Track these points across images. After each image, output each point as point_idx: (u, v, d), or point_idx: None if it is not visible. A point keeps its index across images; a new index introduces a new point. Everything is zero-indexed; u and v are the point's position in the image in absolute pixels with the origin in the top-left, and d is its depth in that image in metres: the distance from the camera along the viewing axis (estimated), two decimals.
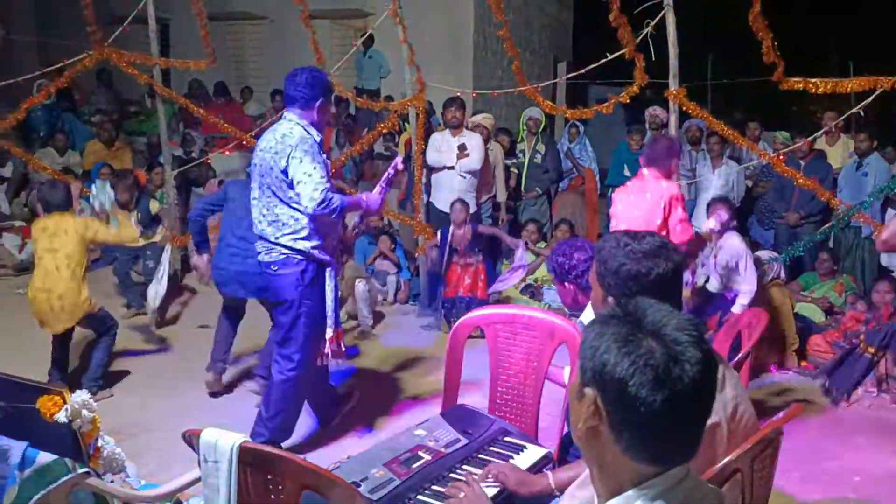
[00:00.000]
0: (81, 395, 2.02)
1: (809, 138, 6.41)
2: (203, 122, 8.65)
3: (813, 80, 5.03)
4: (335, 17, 11.10)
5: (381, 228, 7.08)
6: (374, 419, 4.30)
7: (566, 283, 2.89)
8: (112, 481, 2.38)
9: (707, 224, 5.00)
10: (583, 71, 5.97)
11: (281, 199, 3.54)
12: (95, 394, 4.40)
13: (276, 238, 3.57)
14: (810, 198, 6.22)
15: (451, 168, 6.34)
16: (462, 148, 6.32)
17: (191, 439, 1.90)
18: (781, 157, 5.82)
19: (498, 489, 2.18)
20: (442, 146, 6.42)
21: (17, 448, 2.04)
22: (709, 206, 5.20)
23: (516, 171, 7.69)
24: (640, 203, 4.27)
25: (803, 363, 5.36)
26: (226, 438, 1.83)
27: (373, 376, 5.01)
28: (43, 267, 4.37)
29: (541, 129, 7.67)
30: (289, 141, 3.50)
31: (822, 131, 6.59)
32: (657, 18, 5.27)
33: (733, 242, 4.99)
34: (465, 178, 6.32)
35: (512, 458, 2.48)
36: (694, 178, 6.82)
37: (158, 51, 6.96)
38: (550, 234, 7.34)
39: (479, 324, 2.97)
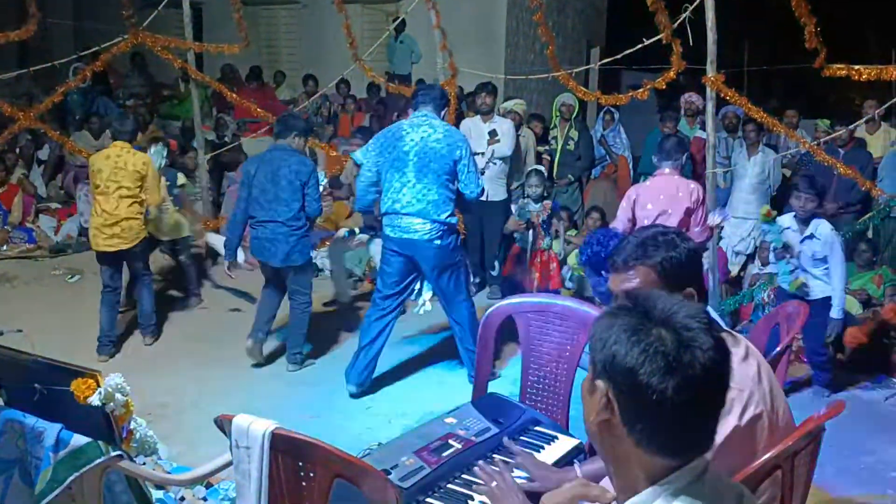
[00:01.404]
0: (115, 379, 2.03)
1: (851, 126, 6.23)
2: (236, 107, 8.69)
3: (856, 67, 4.89)
4: (367, 1, 11.06)
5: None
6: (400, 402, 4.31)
7: (602, 273, 2.85)
8: (144, 463, 2.41)
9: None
10: (619, 56, 5.86)
11: (443, 183, 4.24)
12: (156, 337, 5.16)
13: (438, 216, 4.24)
14: (850, 187, 6.06)
15: (482, 154, 6.29)
16: (493, 134, 6.26)
17: (223, 424, 1.90)
18: (821, 146, 5.67)
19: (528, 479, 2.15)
20: (472, 132, 6.36)
21: (51, 430, 2.06)
22: (793, 186, 4.68)
23: (549, 157, 7.60)
24: (672, 202, 4.43)
25: (839, 356, 5.24)
26: (258, 424, 1.82)
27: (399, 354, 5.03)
28: (109, 196, 4.89)
29: (574, 116, 7.57)
30: (458, 136, 4.38)
31: (863, 119, 6.41)
32: (696, 3, 5.15)
33: (826, 229, 4.44)
34: (495, 164, 6.25)
35: (542, 448, 2.45)
36: (730, 166, 6.69)
37: (192, 35, 6.99)
38: (581, 221, 7.26)
39: (511, 312, 2.94)
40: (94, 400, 1.99)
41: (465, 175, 4.27)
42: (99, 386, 2.01)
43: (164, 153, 5.34)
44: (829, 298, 4.45)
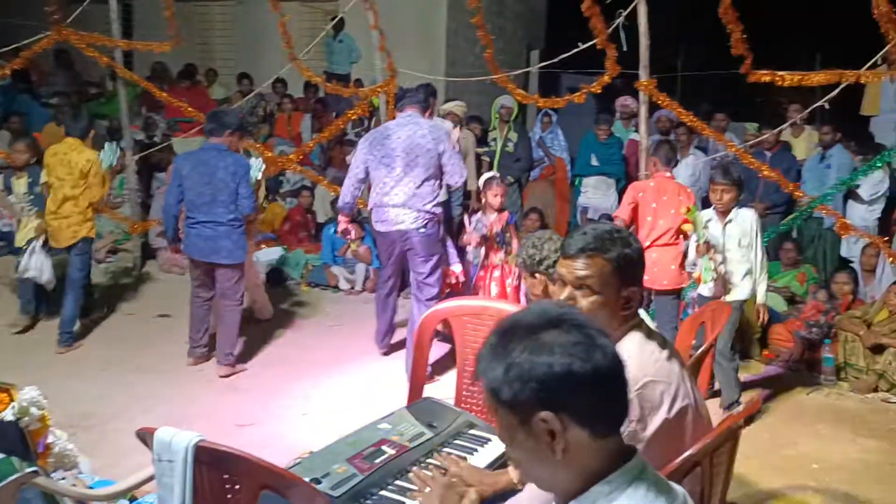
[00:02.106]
0: (30, 392, 1.94)
1: (776, 130, 6.47)
2: (166, 106, 8.46)
3: (780, 73, 5.08)
4: None
5: (351, 216, 6.99)
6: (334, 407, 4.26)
7: (537, 275, 2.87)
8: (63, 479, 2.31)
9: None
10: (556, 60, 5.94)
11: (430, 175, 4.58)
12: (70, 346, 5.12)
13: (423, 206, 4.58)
14: (775, 189, 6.28)
15: None
16: None
17: (145, 437, 1.84)
18: (748, 149, 5.86)
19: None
20: None
21: None
22: (711, 180, 4.54)
23: (488, 159, 7.65)
24: (675, 204, 4.79)
25: (765, 352, 5.43)
26: (181, 437, 1.77)
27: (333, 359, 4.98)
28: (55, 194, 5.11)
29: (513, 118, 7.64)
30: (442, 131, 4.76)
31: (787, 123, 6.65)
32: (629, 9, 5.25)
33: (747, 214, 4.41)
34: None
35: (476, 451, 2.45)
36: None
37: (120, 32, 6.78)
38: (520, 222, 7.33)
39: (446, 316, 2.94)
40: (7, 415, 1.90)
41: (450, 166, 4.64)
42: (12, 400, 1.92)
43: (118, 152, 5.61)
44: (744, 302, 4.37)
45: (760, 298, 4.42)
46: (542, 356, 1.15)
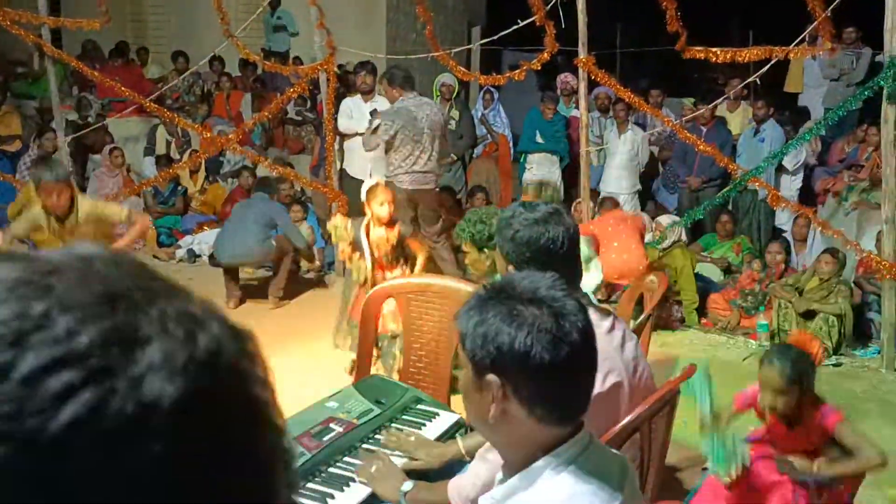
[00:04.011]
0: None
1: (711, 105, 6.64)
2: (99, 86, 8.16)
3: (713, 50, 5.20)
4: None
5: (292, 197, 6.91)
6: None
7: (485, 250, 2.92)
8: None
9: None
10: (496, 37, 5.95)
11: (441, 143, 5.64)
12: None
13: (440, 169, 5.75)
14: (711, 163, 6.46)
15: (363, 134, 6.23)
16: (374, 114, 6.21)
17: None
18: (683, 124, 6.00)
19: (407, 459, 2.19)
20: (353, 112, 6.29)
21: None
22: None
23: None
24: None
25: (703, 320, 5.63)
26: None
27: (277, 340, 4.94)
28: None
29: (454, 95, 7.63)
30: (440, 108, 5.88)
31: (722, 98, 6.83)
32: None
33: None
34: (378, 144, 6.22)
35: (424, 425, 2.49)
36: (602, 145, 6.97)
37: (48, 8, 6.50)
38: (465, 200, 7.36)
39: (391, 293, 2.95)
40: None
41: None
42: None
43: None
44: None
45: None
46: (510, 327, 1.16)
